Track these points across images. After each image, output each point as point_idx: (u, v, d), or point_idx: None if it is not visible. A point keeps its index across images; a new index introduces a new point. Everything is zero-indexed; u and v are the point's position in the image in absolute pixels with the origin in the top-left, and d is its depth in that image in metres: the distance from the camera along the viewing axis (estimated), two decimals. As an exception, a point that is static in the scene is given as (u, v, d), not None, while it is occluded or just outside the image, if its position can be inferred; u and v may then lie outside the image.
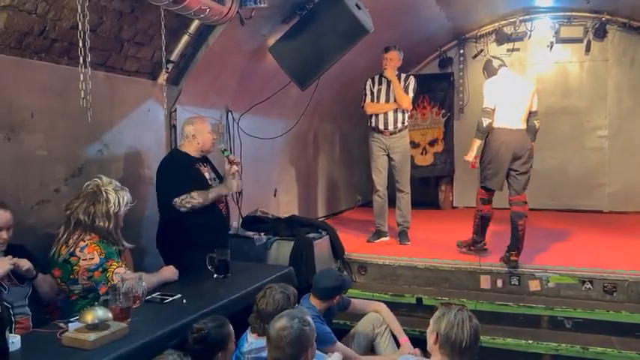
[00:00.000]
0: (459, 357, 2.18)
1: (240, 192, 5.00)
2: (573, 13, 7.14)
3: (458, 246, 4.99)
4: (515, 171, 4.50)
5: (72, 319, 2.43)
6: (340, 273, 3.86)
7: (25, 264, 2.55)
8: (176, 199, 3.44)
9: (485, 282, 4.47)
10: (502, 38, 7.46)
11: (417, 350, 3.31)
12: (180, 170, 3.55)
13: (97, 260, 2.81)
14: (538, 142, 7.43)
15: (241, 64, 4.84)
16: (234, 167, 3.69)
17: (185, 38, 4.05)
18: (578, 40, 7.21)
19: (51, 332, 2.36)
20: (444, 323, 2.18)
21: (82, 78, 2.85)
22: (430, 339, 2.26)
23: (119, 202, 2.93)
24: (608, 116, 7.35)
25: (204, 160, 3.73)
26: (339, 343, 3.25)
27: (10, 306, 2.49)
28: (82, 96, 2.84)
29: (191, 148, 3.64)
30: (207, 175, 3.64)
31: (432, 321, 2.27)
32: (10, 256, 2.54)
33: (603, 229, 6.11)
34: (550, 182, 7.44)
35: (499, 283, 4.44)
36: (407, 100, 5.22)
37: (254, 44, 4.75)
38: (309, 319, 2.37)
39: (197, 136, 3.62)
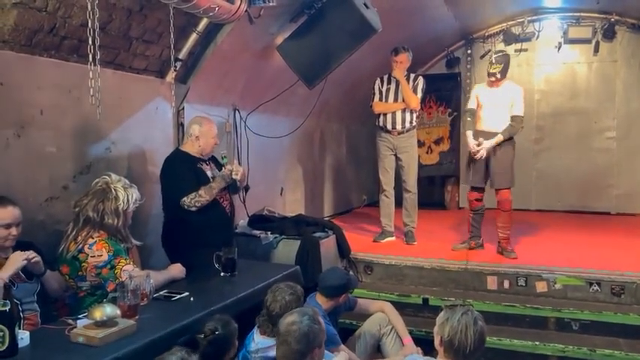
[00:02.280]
0: None
1: (246, 189, 5.01)
2: (582, 14, 7.11)
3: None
4: None
5: (80, 316, 2.44)
6: (346, 272, 3.85)
7: (34, 256, 2.56)
8: (185, 199, 3.44)
9: (491, 283, 4.46)
10: (510, 38, 7.44)
11: (419, 350, 3.30)
12: (185, 170, 3.55)
13: (105, 257, 2.82)
14: (545, 143, 7.51)
15: (249, 63, 4.84)
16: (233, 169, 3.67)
17: (193, 36, 4.06)
18: (587, 41, 7.18)
19: (59, 329, 2.37)
20: (447, 329, 2.15)
21: (91, 75, 2.85)
22: (436, 339, 2.25)
23: (128, 200, 2.94)
24: (617, 117, 7.31)
25: (207, 158, 3.73)
26: (343, 346, 3.25)
27: (18, 302, 2.50)
28: (91, 93, 2.84)
29: (192, 149, 3.65)
30: (209, 173, 3.64)
31: (437, 321, 2.26)
32: (31, 251, 2.55)
33: (611, 230, 6.09)
34: (557, 183, 7.42)
35: (506, 284, 4.42)
36: (415, 101, 5.20)
37: (262, 43, 4.76)
38: (321, 319, 2.36)
39: (200, 138, 3.62)
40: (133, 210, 3.02)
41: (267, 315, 2.78)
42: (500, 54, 4.88)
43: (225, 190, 3.67)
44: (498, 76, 4.69)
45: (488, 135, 4.71)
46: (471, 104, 4.92)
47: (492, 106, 4.75)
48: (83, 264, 2.82)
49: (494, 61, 4.75)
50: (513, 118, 4.68)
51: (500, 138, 4.64)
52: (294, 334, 2.24)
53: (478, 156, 4.70)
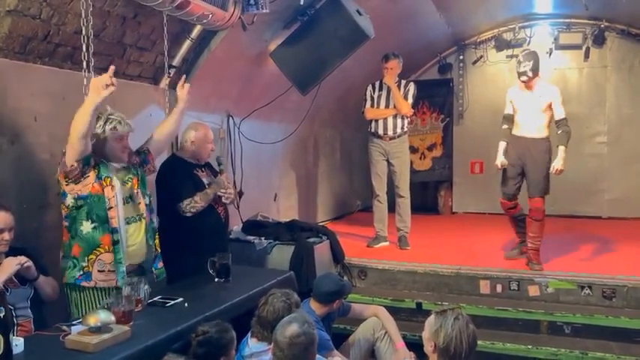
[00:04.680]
0: None
1: (240, 195, 5.03)
2: (572, 20, 7.16)
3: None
4: None
5: (74, 322, 2.45)
6: (340, 278, 3.86)
7: (26, 261, 2.58)
8: (181, 204, 3.46)
9: (484, 287, 4.48)
10: (501, 44, 7.49)
11: (413, 355, 3.31)
12: (181, 175, 3.56)
13: None
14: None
15: (243, 69, 4.87)
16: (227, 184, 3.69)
17: (187, 43, 4.09)
18: (577, 47, 7.24)
19: (54, 335, 2.37)
20: (441, 336, 2.15)
21: (85, 82, 2.87)
22: (427, 346, 2.23)
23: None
24: (607, 123, 7.37)
25: (202, 164, 3.75)
26: (336, 351, 3.26)
27: (12, 307, 2.51)
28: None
29: (187, 154, 3.67)
30: (205, 179, 3.65)
31: (427, 328, 2.24)
32: (23, 256, 2.57)
33: (602, 235, 6.12)
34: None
35: (498, 288, 4.44)
36: (406, 107, 5.24)
37: (255, 49, 4.78)
38: (312, 321, 2.39)
39: (196, 144, 3.64)
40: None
41: (257, 319, 2.79)
42: (527, 51, 4.70)
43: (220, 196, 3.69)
44: (530, 74, 4.45)
45: (524, 141, 4.58)
46: (508, 109, 4.74)
47: (527, 111, 4.57)
48: None
49: (522, 59, 4.53)
50: (560, 123, 4.52)
51: (564, 150, 4.49)
52: (302, 345, 2.28)
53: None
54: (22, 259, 2.56)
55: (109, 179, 2.84)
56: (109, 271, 2.82)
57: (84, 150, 2.73)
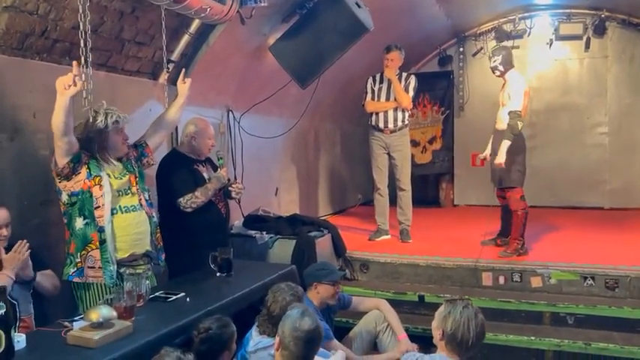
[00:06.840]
0: (465, 353, 2.19)
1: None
2: (572, 10, 7.14)
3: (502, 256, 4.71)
4: None
5: (76, 318, 2.44)
6: (326, 264, 3.80)
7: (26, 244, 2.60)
8: (181, 200, 3.45)
9: (487, 279, 4.48)
10: (502, 36, 7.46)
11: (415, 346, 3.32)
12: (181, 171, 3.56)
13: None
14: (538, 140, 7.53)
15: (242, 64, 4.85)
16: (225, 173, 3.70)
17: (186, 38, 4.07)
18: (578, 37, 7.22)
19: (56, 331, 2.37)
20: (449, 322, 2.18)
21: (83, 78, 2.85)
22: (436, 334, 2.26)
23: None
24: (608, 113, 7.35)
25: (203, 160, 3.74)
26: (335, 340, 3.26)
27: (16, 302, 2.51)
28: (84, 96, 2.86)
29: (188, 149, 3.67)
30: (205, 175, 3.65)
31: (437, 316, 2.27)
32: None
33: (604, 225, 6.12)
34: (550, 179, 7.44)
35: (501, 280, 4.44)
36: (407, 99, 5.22)
37: (254, 43, 4.76)
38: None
39: (196, 139, 3.63)
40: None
41: (267, 315, 2.78)
42: (497, 47, 4.84)
43: (220, 191, 3.68)
44: (500, 68, 4.60)
45: (498, 134, 4.65)
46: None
47: (501, 104, 4.68)
48: None
49: (491, 55, 4.73)
50: (509, 114, 4.51)
51: (506, 144, 4.48)
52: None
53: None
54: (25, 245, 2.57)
55: (98, 178, 2.84)
56: (98, 267, 2.81)
57: (69, 148, 2.74)
